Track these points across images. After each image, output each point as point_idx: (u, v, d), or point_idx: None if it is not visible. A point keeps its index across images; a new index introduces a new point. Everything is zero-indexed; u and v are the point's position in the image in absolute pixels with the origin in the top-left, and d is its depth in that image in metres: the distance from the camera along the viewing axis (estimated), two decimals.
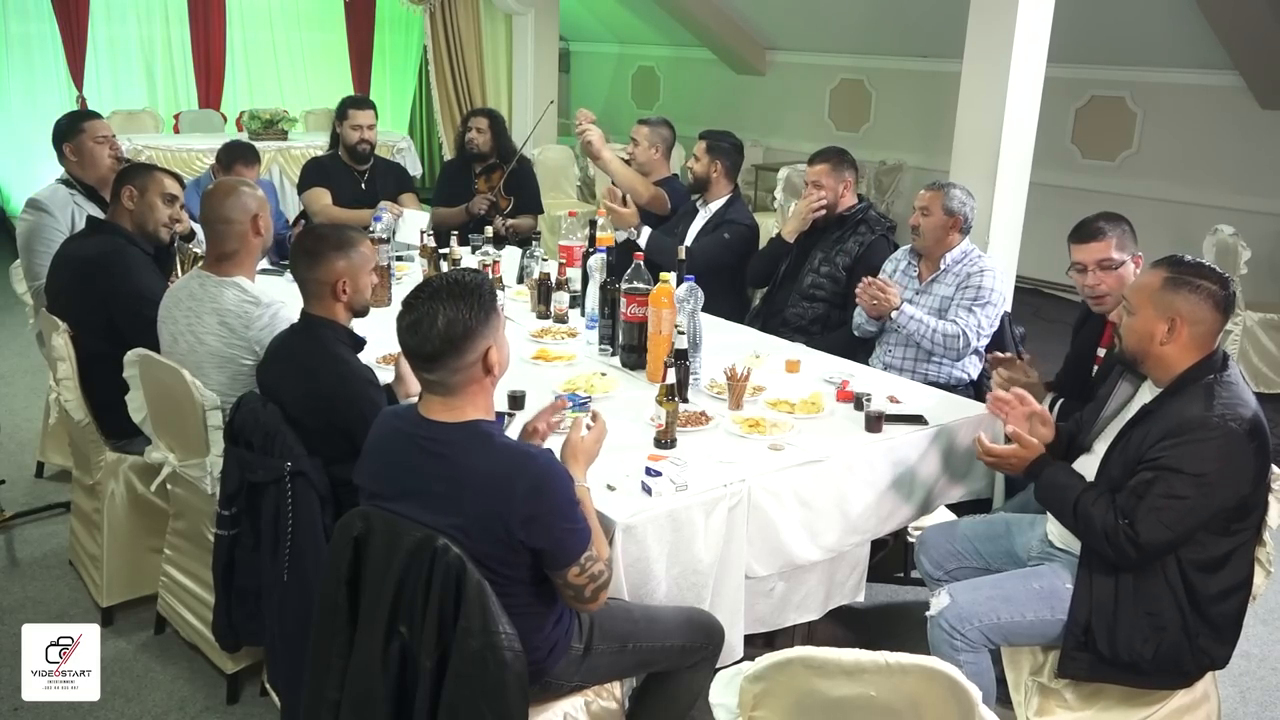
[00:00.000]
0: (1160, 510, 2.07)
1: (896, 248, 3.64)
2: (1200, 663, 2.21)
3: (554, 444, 2.13)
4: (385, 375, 2.71)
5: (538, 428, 2.21)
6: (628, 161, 4.42)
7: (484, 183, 4.89)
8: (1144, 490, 2.10)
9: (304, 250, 2.46)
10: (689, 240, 4.01)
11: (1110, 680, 2.23)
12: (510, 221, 4.86)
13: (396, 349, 2.92)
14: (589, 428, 2.13)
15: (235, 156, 4.38)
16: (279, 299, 2.71)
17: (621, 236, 3.89)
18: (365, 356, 2.55)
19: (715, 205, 4.09)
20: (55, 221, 3.47)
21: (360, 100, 4.85)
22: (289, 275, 4.03)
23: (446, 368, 1.83)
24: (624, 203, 4.04)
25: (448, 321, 1.80)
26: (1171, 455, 2.08)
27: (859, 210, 3.74)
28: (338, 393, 2.35)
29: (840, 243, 3.70)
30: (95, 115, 3.75)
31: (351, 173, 4.74)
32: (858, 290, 3.34)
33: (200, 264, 2.88)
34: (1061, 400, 2.90)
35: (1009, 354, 3.02)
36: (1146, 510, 2.08)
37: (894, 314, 3.27)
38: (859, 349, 3.55)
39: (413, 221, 4.55)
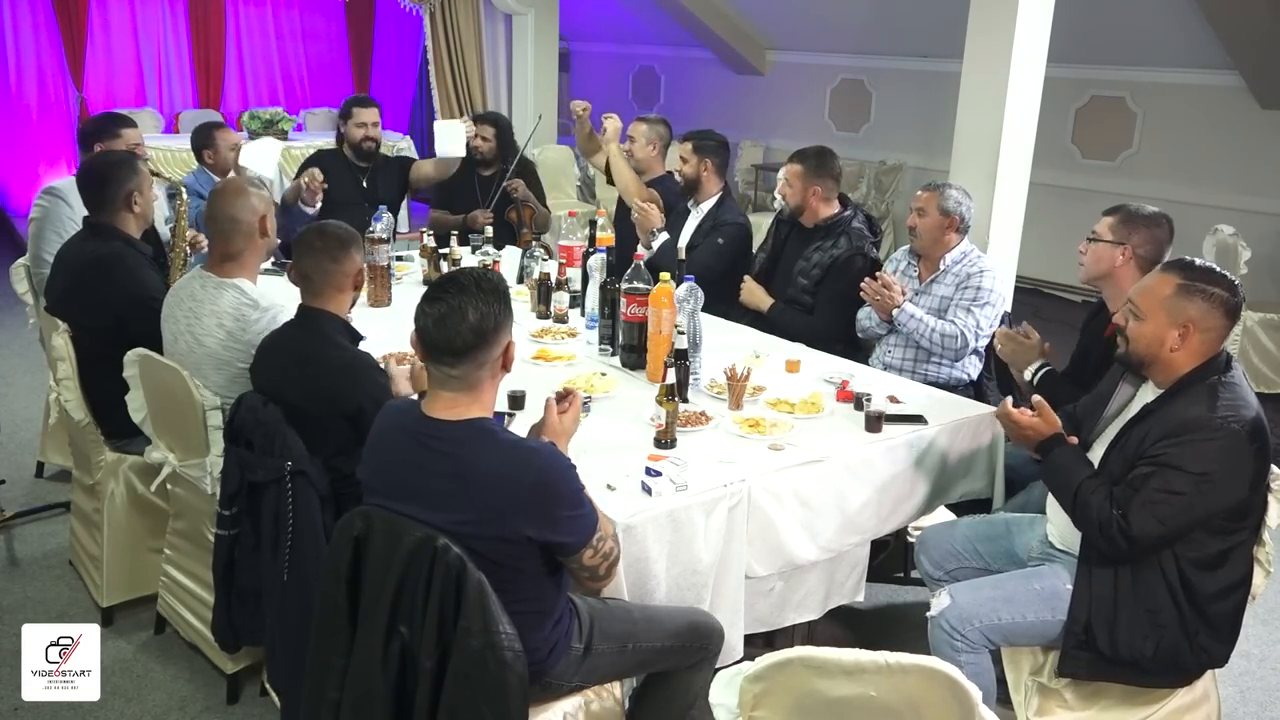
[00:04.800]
0: (1155, 504, 2.08)
1: (877, 264, 3.58)
2: (1200, 660, 2.21)
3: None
4: None
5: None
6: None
7: (514, 213, 4.86)
8: (1140, 484, 2.11)
9: (321, 248, 2.46)
10: (683, 242, 4.01)
11: (1111, 678, 2.23)
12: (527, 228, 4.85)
13: (396, 349, 2.96)
14: (561, 403, 2.13)
15: (210, 129, 4.40)
16: (278, 302, 2.71)
17: (660, 240, 3.89)
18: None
19: (707, 206, 4.08)
20: (71, 211, 3.48)
21: (364, 99, 4.90)
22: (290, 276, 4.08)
23: (474, 361, 1.84)
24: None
25: (480, 315, 1.82)
26: (1172, 453, 2.08)
27: (841, 221, 3.64)
28: (342, 377, 2.37)
29: (819, 251, 3.63)
30: (131, 123, 3.76)
31: (354, 170, 4.74)
32: (863, 285, 3.34)
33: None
34: (1048, 368, 2.92)
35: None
36: (1141, 503, 2.09)
37: (895, 312, 3.28)
38: (858, 349, 3.55)
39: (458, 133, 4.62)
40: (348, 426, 2.33)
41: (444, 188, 5.15)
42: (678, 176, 4.15)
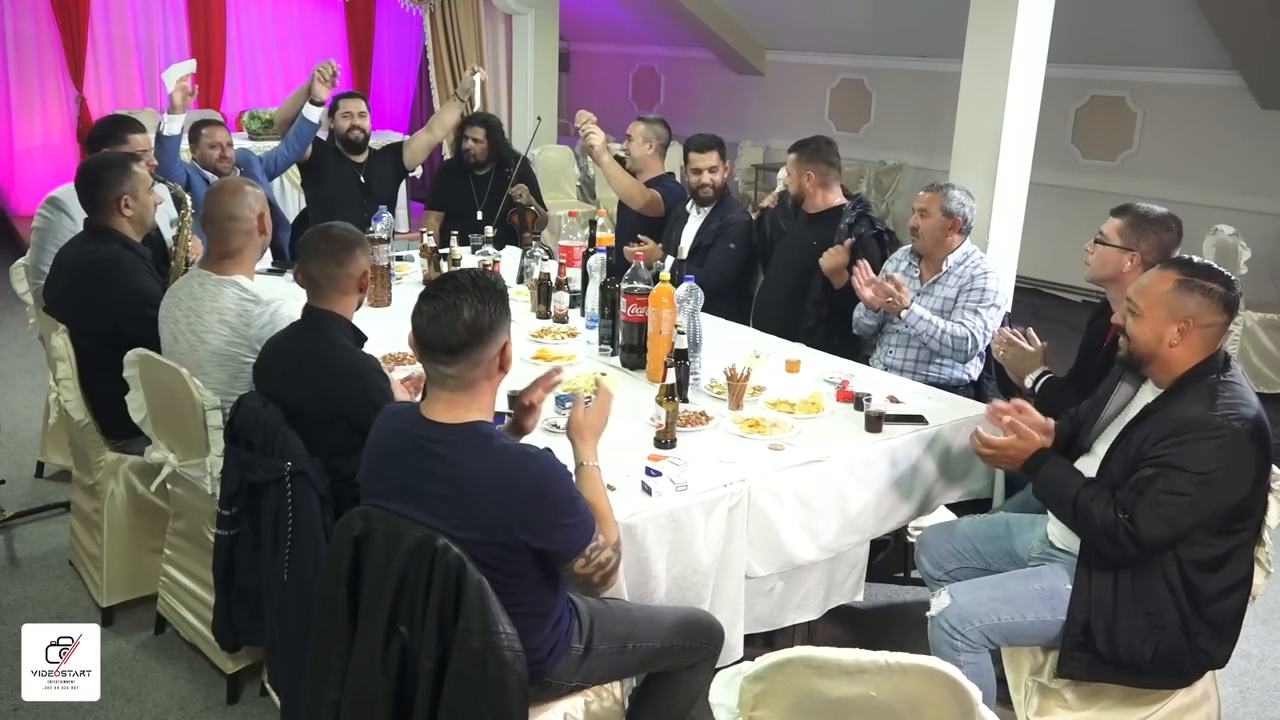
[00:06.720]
0: (1161, 506, 2.07)
1: (887, 250, 3.62)
2: (1199, 662, 2.21)
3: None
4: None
5: (531, 400, 2.16)
6: (622, 160, 4.43)
7: (515, 216, 4.86)
8: (1144, 486, 2.10)
9: (326, 251, 2.45)
10: (686, 241, 4.01)
11: (1109, 679, 2.23)
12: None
13: (397, 349, 2.96)
14: (589, 400, 2.13)
15: (201, 124, 4.42)
16: (279, 296, 2.72)
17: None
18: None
19: (707, 205, 4.08)
20: (73, 223, 3.46)
21: (349, 93, 4.94)
22: (290, 276, 4.07)
23: (469, 360, 1.83)
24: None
25: (474, 314, 1.81)
26: (1174, 453, 2.08)
27: (850, 210, 3.67)
28: (343, 379, 2.37)
29: (841, 234, 3.63)
30: (139, 128, 3.76)
31: (350, 164, 4.76)
32: (870, 282, 3.31)
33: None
34: (1049, 376, 2.91)
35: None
36: (1147, 506, 2.08)
37: (903, 313, 3.24)
38: (861, 348, 3.54)
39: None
40: (348, 428, 2.33)
41: (440, 189, 5.16)
42: (708, 189, 4.04)
